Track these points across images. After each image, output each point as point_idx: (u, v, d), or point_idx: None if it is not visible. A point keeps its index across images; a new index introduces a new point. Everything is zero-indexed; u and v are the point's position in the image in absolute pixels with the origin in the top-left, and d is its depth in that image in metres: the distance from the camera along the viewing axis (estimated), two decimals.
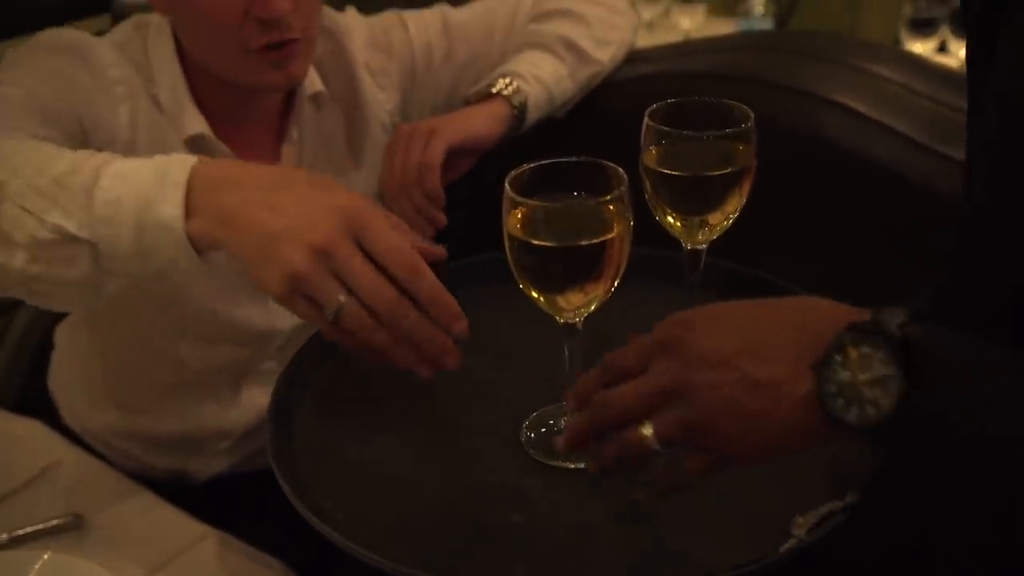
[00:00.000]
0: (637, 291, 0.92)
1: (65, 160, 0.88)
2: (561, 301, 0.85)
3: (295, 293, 0.83)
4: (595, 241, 0.81)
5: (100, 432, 1.32)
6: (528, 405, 0.95)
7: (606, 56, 1.37)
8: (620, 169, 0.83)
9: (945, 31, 2.53)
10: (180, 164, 0.86)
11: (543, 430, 0.93)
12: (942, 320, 0.70)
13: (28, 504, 1.06)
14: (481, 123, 1.25)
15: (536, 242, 0.81)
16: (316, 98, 1.25)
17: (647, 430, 0.72)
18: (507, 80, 1.28)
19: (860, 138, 1.15)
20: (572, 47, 1.33)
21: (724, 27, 2.60)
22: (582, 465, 0.89)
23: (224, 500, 1.19)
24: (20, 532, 1.01)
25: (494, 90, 1.27)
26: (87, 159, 0.88)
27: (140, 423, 1.30)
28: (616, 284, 0.85)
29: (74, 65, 1.11)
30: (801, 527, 0.79)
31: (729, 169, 0.89)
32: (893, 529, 0.84)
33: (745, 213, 0.94)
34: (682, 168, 0.90)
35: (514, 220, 0.82)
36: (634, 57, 1.40)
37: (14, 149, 0.91)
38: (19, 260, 0.87)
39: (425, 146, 1.21)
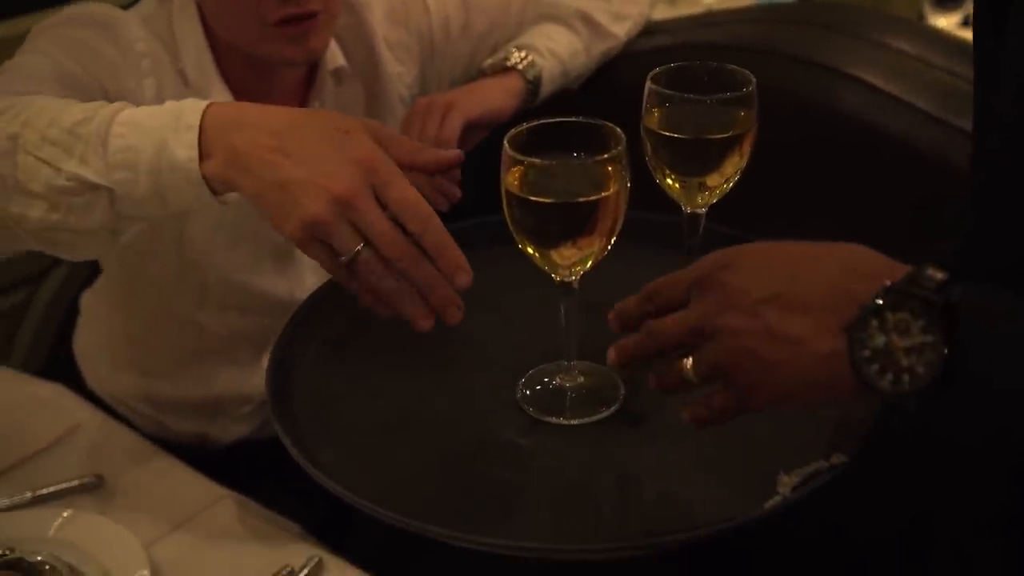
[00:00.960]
0: (636, 254, 0.94)
1: (78, 109, 0.90)
2: (556, 257, 0.86)
3: (312, 238, 0.84)
4: (591, 198, 0.82)
5: (123, 396, 1.35)
6: (525, 363, 0.97)
7: (622, 30, 1.37)
8: (618, 129, 0.84)
9: (969, 5, 2.50)
10: (193, 107, 0.88)
11: (539, 387, 0.96)
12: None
13: (51, 465, 1.08)
14: (497, 97, 1.26)
15: (533, 198, 0.82)
16: (337, 72, 1.25)
17: (688, 363, 0.74)
18: (522, 53, 1.29)
19: (876, 112, 1.15)
20: (588, 21, 1.34)
21: (745, 2, 2.58)
22: (576, 421, 0.92)
23: (245, 465, 1.20)
24: (43, 491, 1.03)
25: (509, 63, 1.28)
26: (100, 108, 0.90)
27: (162, 388, 1.32)
28: (612, 242, 0.86)
29: (101, 38, 1.12)
30: (786, 485, 0.79)
31: (729, 133, 0.90)
32: (892, 497, 0.85)
33: (759, 184, 0.94)
34: (682, 131, 0.90)
35: (512, 178, 0.83)
36: (652, 29, 1.40)
37: (26, 103, 0.92)
38: (38, 210, 0.89)
39: (442, 121, 1.21)
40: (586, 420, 0.92)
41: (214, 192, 0.88)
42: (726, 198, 0.96)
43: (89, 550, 0.94)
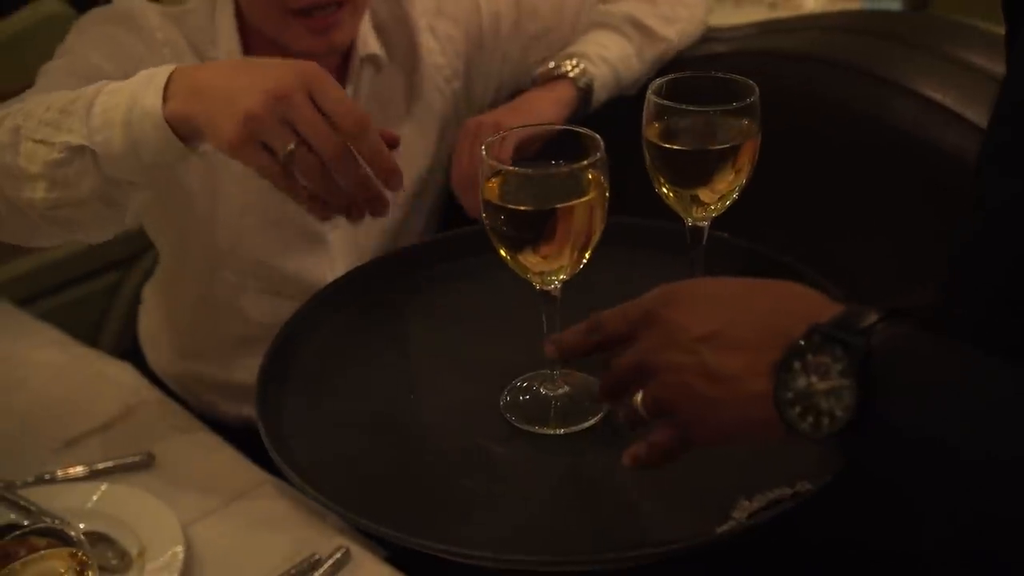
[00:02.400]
0: (626, 262, 0.95)
1: (72, 92, 0.95)
2: (534, 266, 0.86)
3: (250, 140, 0.87)
4: (568, 205, 0.82)
5: (179, 379, 1.41)
6: (510, 372, 0.98)
7: (674, 33, 1.35)
8: (597, 136, 0.83)
9: None
10: (166, 68, 0.93)
11: (522, 397, 0.96)
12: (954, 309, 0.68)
13: (108, 441, 1.14)
14: (548, 110, 1.25)
15: (510, 206, 0.83)
16: (372, 60, 1.27)
17: (639, 399, 0.74)
18: (573, 61, 1.28)
19: (929, 125, 1.11)
20: (639, 25, 1.33)
21: (850, 5, 2.52)
22: (558, 431, 0.92)
23: None
24: (98, 466, 1.08)
25: (560, 72, 1.28)
26: (91, 88, 0.95)
27: (213, 373, 1.37)
28: (591, 250, 0.86)
29: (127, 32, 1.18)
30: (744, 510, 0.79)
31: (726, 145, 0.88)
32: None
33: (806, 196, 0.92)
34: (678, 142, 0.89)
35: (491, 185, 0.84)
36: (709, 36, 1.38)
37: (32, 101, 0.98)
38: (40, 190, 0.94)
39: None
40: (569, 430, 0.92)
41: (182, 139, 0.91)
42: (771, 207, 0.95)
43: (128, 523, 0.98)
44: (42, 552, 0.81)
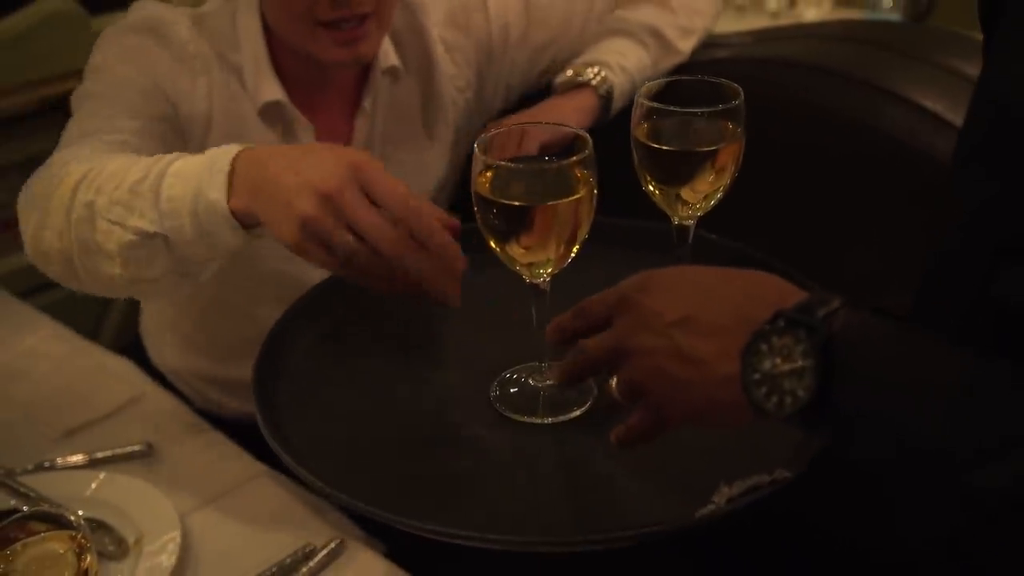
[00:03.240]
0: (617, 258, 0.96)
1: (139, 167, 0.98)
2: (523, 259, 0.88)
3: (308, 239, 0.89)
4: (558, 201, 0.85)
5: (181, 373, 1.42)
6: (501, 364, 1.00)
7: (688, 46, 1.38)
8: (585, 134, 0.86)
9: None
10: (226, 152, 0.95)
11: (512, 388, 0.98)
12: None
13: (109, 431, 1.15)
14: (570, 116, 1.27)
15: (501, 201, 0.85)
16: (391, 72, 1.29)
17: (613, 382, 0.77)
18: (595, 69, 1.30)
19: (922, 134, 1.12)
20: (658, 36, 1.35)
21: (850, 15, 2.53)
22: (546, 420, 0.94)
23: None
24: (98, 455, 1.10)
25: (582, 79, 1.30)
26: (155, 163, 0.98)
27: (219, 370, 1.39)
28: (579, 244, 0.88)
29: (156, 44, 1.20)
30: (723, 495, 0.81)
31: (711, 147, 0.90)
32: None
33: (798, 202, 0.94)
34: (664, 143, 0.91)
35: (482, 180, 0.86)
36: (710, 42, 1.40)
37: (99, 168, 1.00)
38: (116, 267, 0.98)
39: (517, 149, 1.22)
40: (556, 419, 0.94)
41: (245, 226, 0.94)
42: (763, 211, 0.97)
43: (125, 511, 1.00)
44: (42, 535, 0.82)
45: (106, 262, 0.98)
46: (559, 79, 1.33)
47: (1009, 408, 0.60)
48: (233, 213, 0.92)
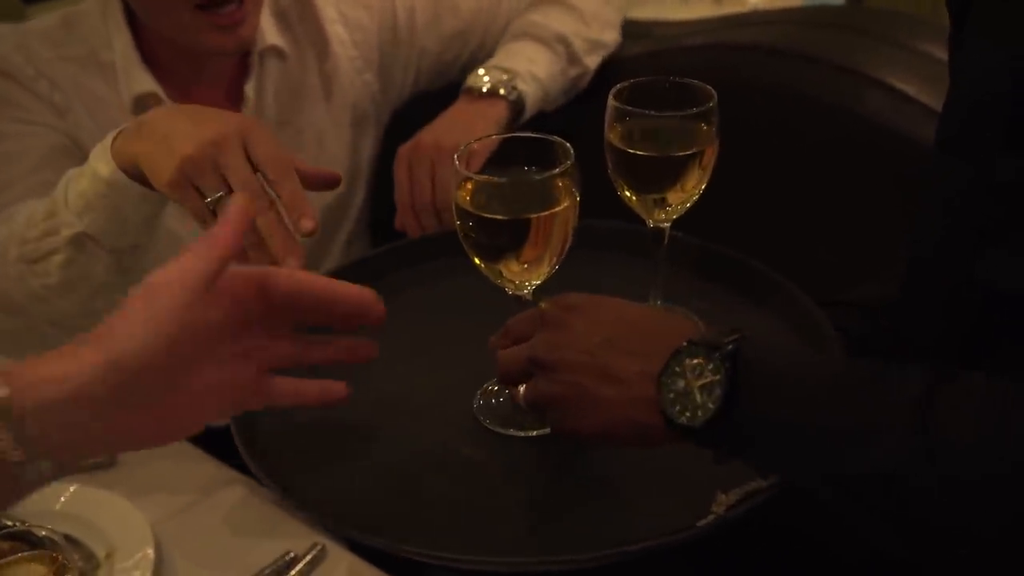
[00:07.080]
0: (598, 264, 0.97)
1: (44, 200, 1.01)
2: (507, 272, 0.88)
3: (185, 181, 0.90)
4: (541, 214, 0.84)
5: None
6: (483, 376, 0.98)
7: (593, 64, 1.38)
8: (567, 144, 0.85)
9: None
10: (109, 135, 0.97)
11: (494, 400, 0.97)
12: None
13: None
14: (480, 127, 1.25)
15: (483, 215, 0.84)
16: (275, 52, 1.26)
17: (521, 391, 0.83)
18: (505, 77, 1.28)
19: (902, 118, 1.13)
20: (567, 45, 1.34)
21: (792, 2, 2.55)
22: (530, 433, 0.93)
23: None
24: None
25: (491, 88, 1.28)
26: (60, 184, 1.00)
27: None
28: (562, 256, 0.87)
29: (7, 89, 1.18)
30: (721, 504, 0.81)
31: (688, 151, 0.90)
32: None
33: (784, 190, 0.94)
34: (639, 147, 0.91)
35: (463, 193, 0.85)
36: (684, 29, 1.39)
37: (12, 226, 1.04)
38: (68, 295, 1.02)
39: (434, 167, 1.22)
40: (540, 432, 0.93)
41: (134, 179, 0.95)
42: (742, 202, 0.96)
43: (96, 524, 0.97)
44: (19, 554, 0.78)
45: (56, 299, 1.01)
46: (470, 82, 1.30)
47: (871, 399, 0.67)
48: (117, 165, 0.94)
